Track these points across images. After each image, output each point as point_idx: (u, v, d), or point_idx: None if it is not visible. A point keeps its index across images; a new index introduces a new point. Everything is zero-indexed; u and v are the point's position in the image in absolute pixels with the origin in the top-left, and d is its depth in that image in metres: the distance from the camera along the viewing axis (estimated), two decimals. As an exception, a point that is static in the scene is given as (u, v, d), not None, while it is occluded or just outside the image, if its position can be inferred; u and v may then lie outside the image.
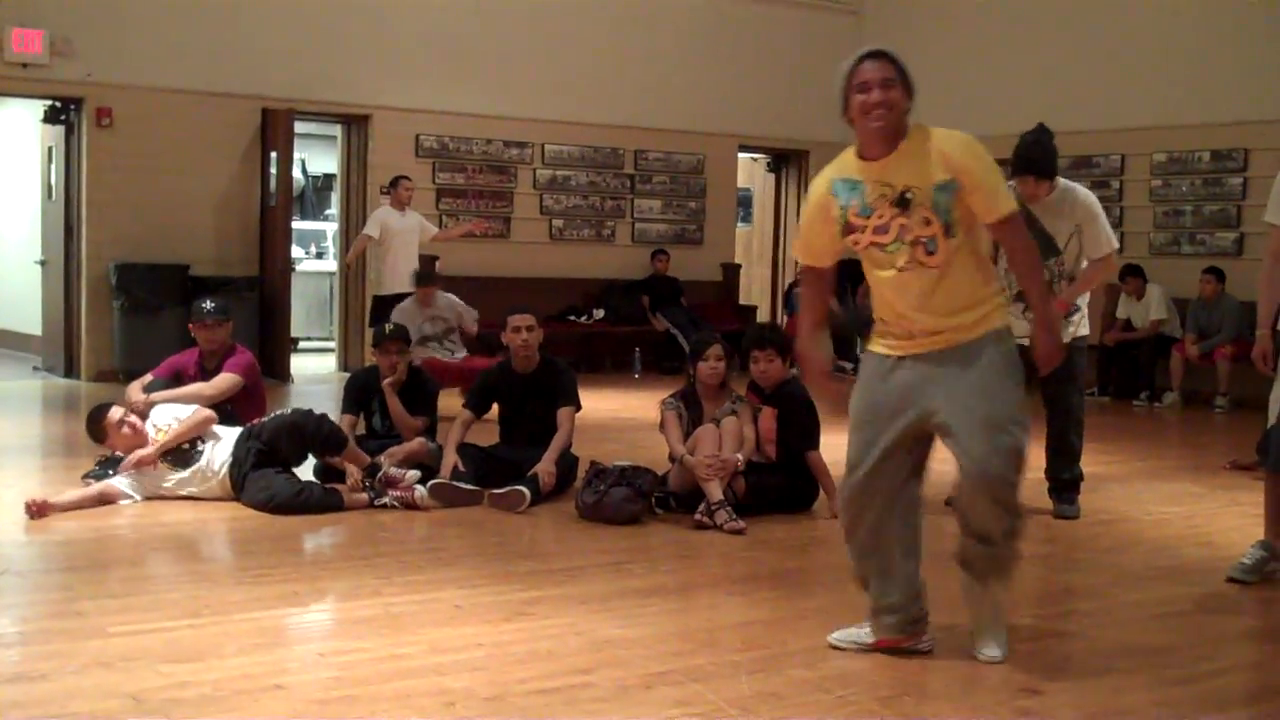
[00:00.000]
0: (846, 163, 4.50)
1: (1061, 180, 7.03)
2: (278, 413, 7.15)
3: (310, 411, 7.05)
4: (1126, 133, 14.41)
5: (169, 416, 7.09)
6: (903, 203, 4.36)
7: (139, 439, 6.96)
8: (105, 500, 6.80)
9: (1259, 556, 5.88)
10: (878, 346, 4.58)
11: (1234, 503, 6.46)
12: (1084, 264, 6.94)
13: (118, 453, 7.05)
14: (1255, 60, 13.26)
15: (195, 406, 7.20)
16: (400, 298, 12.32)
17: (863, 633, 4.68)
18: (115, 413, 7.00)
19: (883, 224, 4.40)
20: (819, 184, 4.57)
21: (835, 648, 4.66)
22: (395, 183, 12.80)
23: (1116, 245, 7.00)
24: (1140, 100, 14.26)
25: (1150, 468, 9.29)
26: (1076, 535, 6.93)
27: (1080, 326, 7.10)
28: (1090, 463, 8.42)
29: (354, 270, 14.38)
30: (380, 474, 7.03)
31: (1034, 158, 6.89)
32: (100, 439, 7.04)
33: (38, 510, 6.47)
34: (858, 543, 4.64)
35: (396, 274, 12.46)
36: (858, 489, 4.55)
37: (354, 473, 7.05)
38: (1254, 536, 6.20)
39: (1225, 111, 13.52)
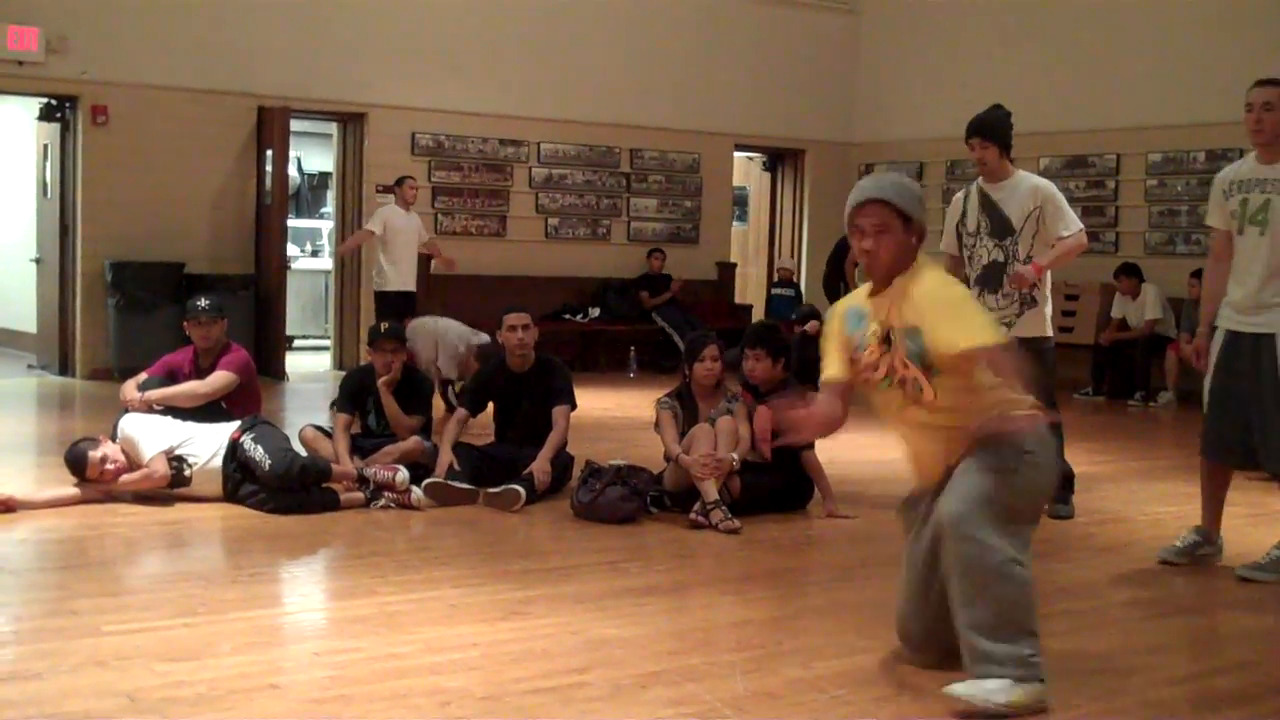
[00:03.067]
0: (861, 292, 4.53)
1: (1022, 170, 7.28)
2: (258, 450, 6.84)
3: (287, 460, 6.83)
4: (1122, 132, 14.43)
5: (154, 441, 7.01)
6: (887, 341, 4.36)
7: (121, 472, 6.87)
8: (85, 500, 6.78)
9: (1192, 540, 6.23)
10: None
11: (1228, 503, 6.48)
12: (1045, 247, 7.10)
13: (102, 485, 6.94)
14: (1250, 59, 13.24)
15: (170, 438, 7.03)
16: (403, 295, 12.37)
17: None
18: (95, 454, 6.78)
19: (873, 360, 4.39)
20: (835, 309, 4.61)
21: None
22: (401, 182, 12.80)
23: (1082, 226, 7.18)
24: (1136, 100, 14.28)
25: (1145, 467, 9.30)
26: (1071, 535, 6.94)
27: (1043, 327, 7.19)
28: (1085, 462, 8.46)
29: (349, 268, 14.38)
30: (371, 481, 7.02)
31: (977, 120, 7.13)
32: (81, 475, 6.86)
33: (1, 506, 6.49)
34: None
35: (400, 271, 12.50)
36: None
37: (347, 484, 7.06)
38: (1248, 536, 6.26)
39: (1220, 111, 13.48)
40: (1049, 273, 7.13)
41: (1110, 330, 13.65)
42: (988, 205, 7.12)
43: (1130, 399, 13.34)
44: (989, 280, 7.14)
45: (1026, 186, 7.11)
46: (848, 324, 4.50)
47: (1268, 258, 5.92)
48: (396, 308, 11.85)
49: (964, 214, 7.26)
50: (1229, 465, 6.23)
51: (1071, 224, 7.07)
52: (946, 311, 4.26)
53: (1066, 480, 7.33)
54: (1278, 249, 5.90)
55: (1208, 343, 6.17)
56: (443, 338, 11.13)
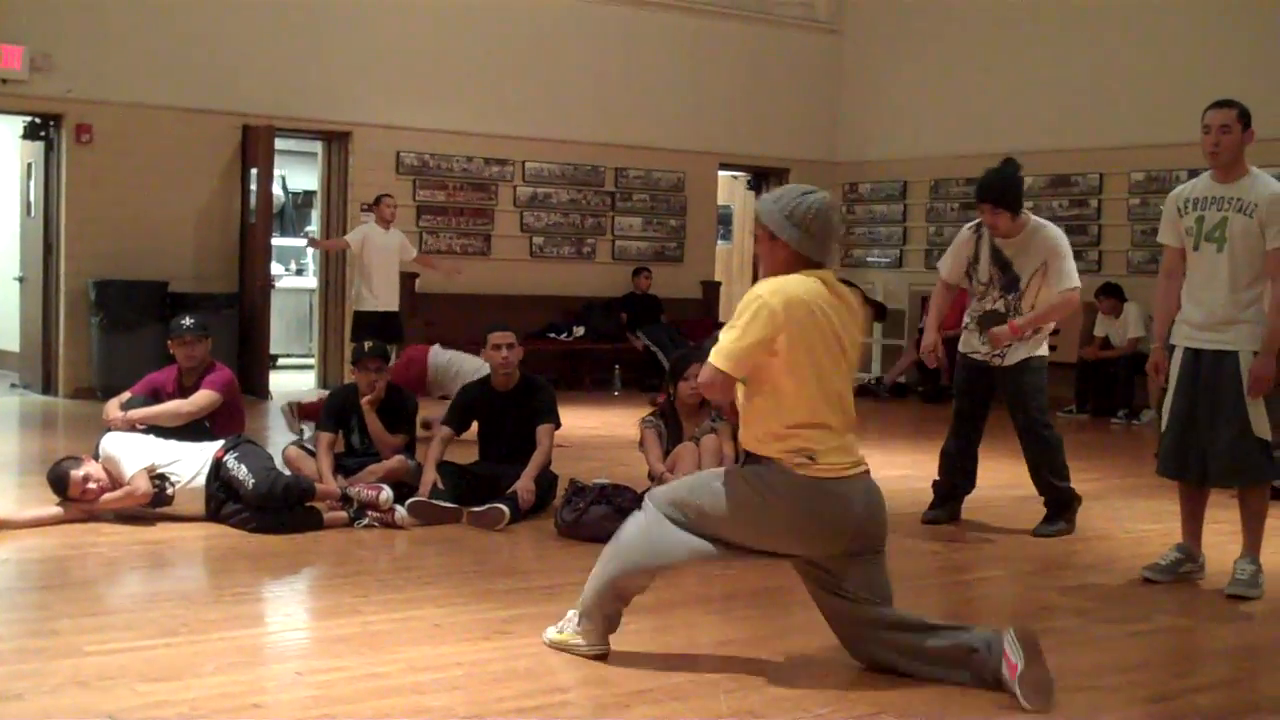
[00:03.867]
0: None
1: (1034, 218, 7.27)
2: (241, 469, 6.84)
3: (271, 479, 6.83)
4: (1105, 152, 14.49)
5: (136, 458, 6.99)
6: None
7: (104, 491, 6.83)
8: (68, 519, 6.76)
9: (1174, 558, 6.31)
10: None
11: (1211, 520, 6.50)
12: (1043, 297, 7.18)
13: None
14: (1233, 79, 13.33)
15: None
16: (381, 315, 12.38)
17: None
18: (78, 473, 6.75)
19: None
20: None
21: None
22: (379, 200, 12.83)
23: (1079, 285, 7.21)
24: (1118, 119, 14.35)
25: (1129, 485, 9.32)
26: (1055, 552, 6.96)
27: (1038, 347, 7.32)
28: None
29: (334, 287, 14.38)
30: (354, 500, 7.00)
31: (988, 184, 7.09)
32: (63, 495, 6.82)
33: None
34: None
35: (376, 290, 12.53)
36: None
37: (331, 503, 7.05)
38: (1230, 553, 6.27)
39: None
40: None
41: (1092, 348, 13.70)
42: (999, 260, 7.17)
43: (1113, 417, 13.38)
44: (985, 322, 7.26)
45: (1038, 241, 7.12)
46: None
47: (1228, 275, 5.98)
48: (374, 328, 11.88)
49: (976, 259, 7.28)
50: (1186, 482, 6.26)
51: (1067, 281, 7.09)
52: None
53: (1058, 502, 7.38)
54: (1237, 266, 5.97)
55: (1164, 358, 6.25)
56: (460, 369, 11.09)
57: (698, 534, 4.58)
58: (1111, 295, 13.54)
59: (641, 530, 4.68)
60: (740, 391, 4.56)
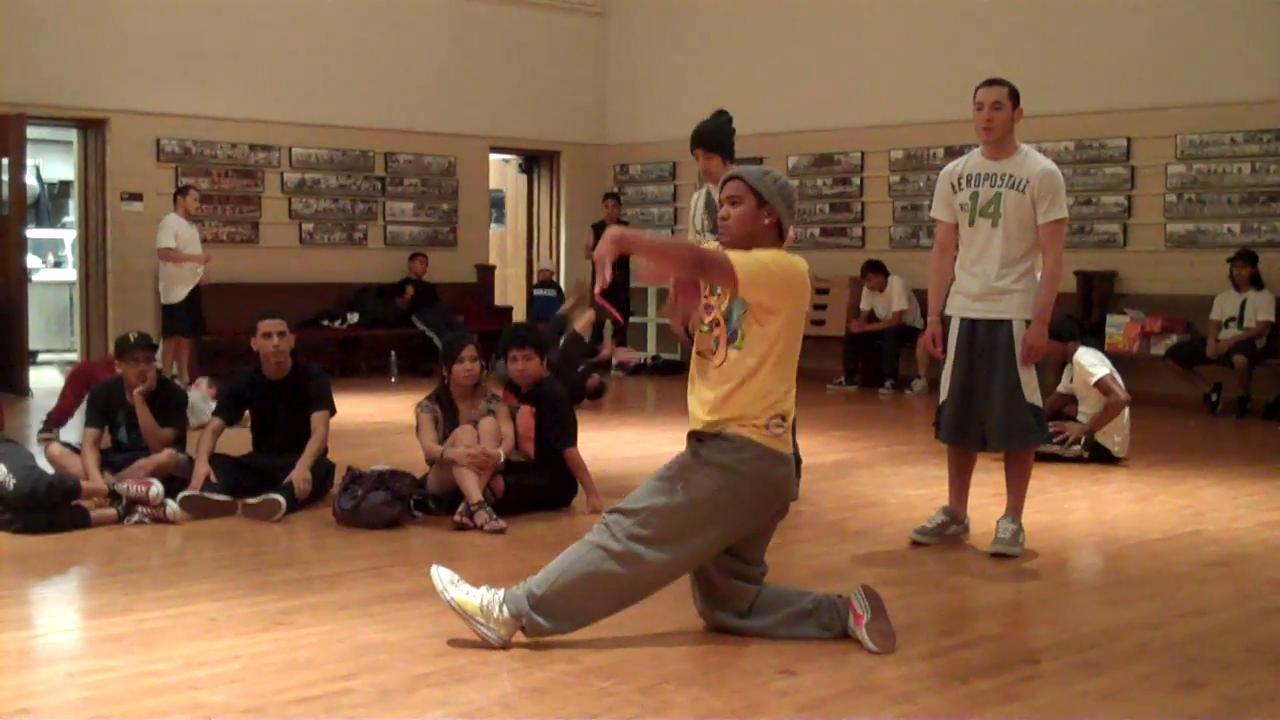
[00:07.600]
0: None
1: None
2: (0, 469, 6.58)
3: (33, 478, 6.57)
4: (865, 130, 14.89)
5: None
6: (714, 291, 4.77)
7: None
8: None
9: (941, 520, 6.58)
10: None
11: (976, 484, 6.77)
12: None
13: None
14: (985, 60, 13.83)
15: None
16: (186, 305, 12.36)
17: None
18: None
19: (708, 303, 4.80)
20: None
21: None
22: (185, 191, 12.74)
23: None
24: (878, 99, 14.75)
25: (897, 453, 9.62)
26: (825, 520, 7.14)
27: None
28: (839, 450, 8.75)
29: (95, 279, 13.97)
30: (123, 497, 6.80)
31: (704, 133, 7.39)
32: None
33: None
34: None
35: (189, 284, 12.52)
36: None
37: (98, 500, 6.83)
38: (992, 513, 6.53)
39: (957, 109, 13.99)
40: None
41: (859, 321, 14.09)
42: (712, 208, 7.33)
43: (881, 387, 13.78)
44: None
45: None
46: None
47: (1001, 248, 6.24)
48: (186, 321, 11.85)
49: (694, 214, 7.53)
50: (967, 448, 6.53)
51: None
52: (755, 270, 4.61)
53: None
54: (1011, 239, 6.22)
55: (940, 330, 6.48)
56: None
57: (670, 547, 4.64)
58: (876, 270, 13.95)
59: (616, 565, 4.65)
60: (725, 365, 4.66)
